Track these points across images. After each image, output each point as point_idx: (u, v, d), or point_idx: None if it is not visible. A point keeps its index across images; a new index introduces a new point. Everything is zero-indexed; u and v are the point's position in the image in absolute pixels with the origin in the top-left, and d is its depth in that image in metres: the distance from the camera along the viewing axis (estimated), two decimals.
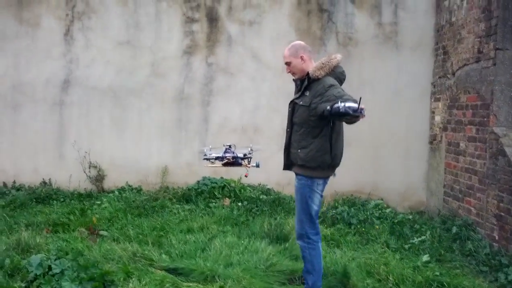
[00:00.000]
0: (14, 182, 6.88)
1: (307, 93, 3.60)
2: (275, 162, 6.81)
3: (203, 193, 6.42)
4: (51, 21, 6.93)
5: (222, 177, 6.72)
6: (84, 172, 6.81)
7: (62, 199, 6.36)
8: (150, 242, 4.81)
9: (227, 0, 6.90)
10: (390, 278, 4.09)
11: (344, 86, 6.67)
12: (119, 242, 4.80)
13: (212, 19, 6.93)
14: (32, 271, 3.69)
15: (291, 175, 6.75)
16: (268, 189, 6.64)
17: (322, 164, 3.61)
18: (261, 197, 6.28)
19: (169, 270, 4.10)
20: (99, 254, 4.34)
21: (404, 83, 6.77)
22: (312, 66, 3.66)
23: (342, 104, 3.08)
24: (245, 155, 3.92)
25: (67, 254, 4.10)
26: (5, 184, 6.87)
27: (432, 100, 6.66)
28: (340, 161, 3.79)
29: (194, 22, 6.93)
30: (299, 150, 3.65)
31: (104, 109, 6.94)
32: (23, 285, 3.59)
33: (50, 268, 3.72)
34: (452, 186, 5.94)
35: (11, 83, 6.92)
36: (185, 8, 6.92)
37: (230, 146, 3.94)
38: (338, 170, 6.71)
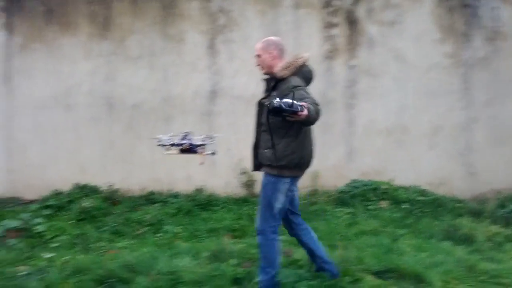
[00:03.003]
0: (169, 190, 7.25)
1: (274, 94, 3.63)
2: (426, 162, 6.84)
3: (356, 196, 6.47)
4: (195, 36, 7.25)
5: (370, 179, 6.76)
6: (236, 178, 7.08)
7: (221, 205, 6.62)
8: (339, 246, 4.92)
9: (366, 2, 6.94)
10: None
11: (494, 81, 6.61)
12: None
13: (352, 22, 6.99)
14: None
15: (442, 174, 6.75)
16: (424, 190, 6.57)
17: (289, 164, 3.61)
18: (418, 198, 6.24)
19: (376, 274, 4.21)
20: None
21: None
22: (280, 64, 3.71)
23: (277, 99, 3.09)
24: (202, 142, 4.01)
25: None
26: (160, 193, 7.26)
27: None
28: (309, 161, 3.76)
29: (333, 27, 7.02)
30: (265, 150, 3.68)
31: (249, 117, 7.07)
32: None
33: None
34: None
35: (162, 97, 7.31)
36: (323, 13, 7.03)
37: (187, 133, 4.04)
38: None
